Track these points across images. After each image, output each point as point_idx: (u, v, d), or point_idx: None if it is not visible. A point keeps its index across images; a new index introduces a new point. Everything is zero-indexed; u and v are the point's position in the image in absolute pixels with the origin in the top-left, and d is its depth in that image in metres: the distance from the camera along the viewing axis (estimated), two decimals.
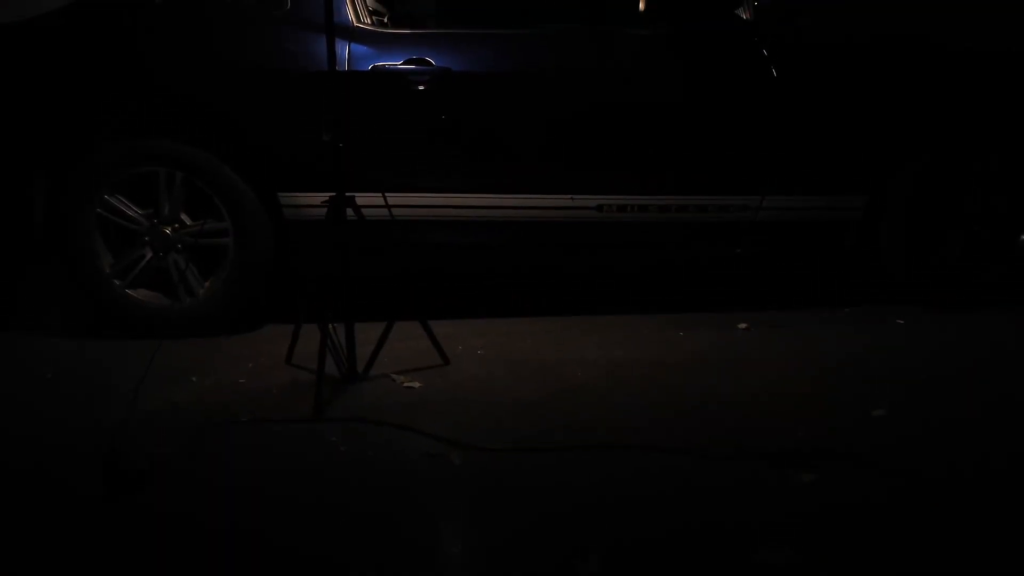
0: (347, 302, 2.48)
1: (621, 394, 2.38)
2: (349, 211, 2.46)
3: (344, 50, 2.85)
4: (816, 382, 2.44)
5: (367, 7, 2.94)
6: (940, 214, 3.02)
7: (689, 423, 2.18)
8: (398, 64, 2.84)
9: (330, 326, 2.40)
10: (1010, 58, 3.15)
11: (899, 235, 3.01)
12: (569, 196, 2.92)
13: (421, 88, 2.83)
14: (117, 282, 2.94)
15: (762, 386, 2.42)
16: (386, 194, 2.90)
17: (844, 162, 2.94)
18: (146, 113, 2.86)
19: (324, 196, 2.47)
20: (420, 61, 2.84)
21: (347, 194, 2.49)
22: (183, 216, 2.93)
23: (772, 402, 2.30)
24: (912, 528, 1.68)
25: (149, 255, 2.93)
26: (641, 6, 2.78)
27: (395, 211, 2.92)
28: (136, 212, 2.91)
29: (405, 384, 2.48)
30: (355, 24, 2.88)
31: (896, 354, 2.66)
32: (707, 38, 2.91)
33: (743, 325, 2.98)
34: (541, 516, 1.76)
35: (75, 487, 1.90)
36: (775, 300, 3.26)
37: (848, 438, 2.06)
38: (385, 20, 3.07)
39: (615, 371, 2.55)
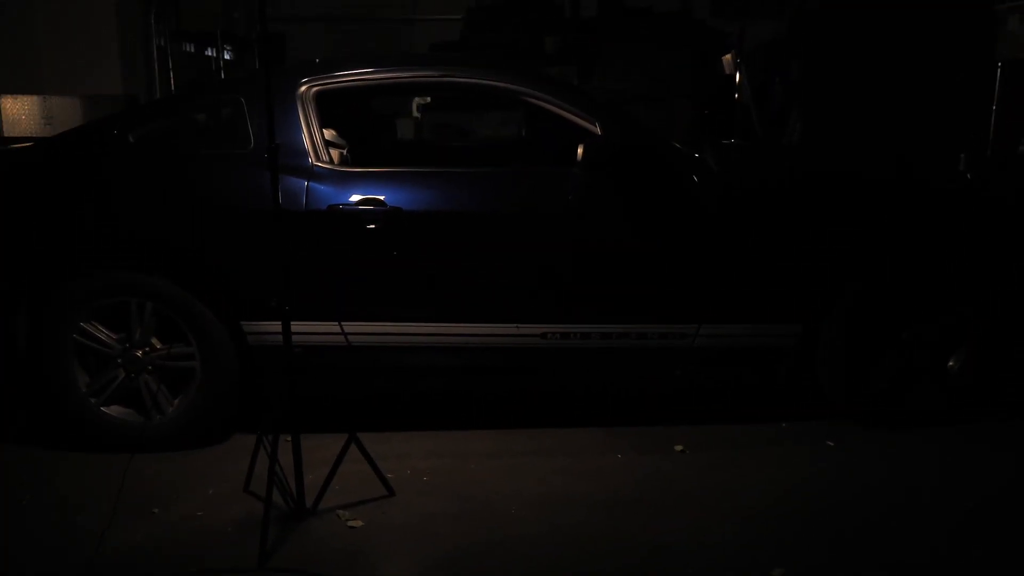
0: (296, 438, 2.66)
1: (552, 543, 2.54)
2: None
3: (303, 187, 3.03)
4: (731, 529, 2.60)
5: (326, 143, 3.11)
6: (872, 341, 3.17)
7: None
8: (352, 204, 3.01)
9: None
10: (938, 190, 3.30)
11: (832, 361, 3.17)
12: (515, 325, 3.09)
13: (373, 227, 3.01)
14: (93, 400, 3.14)
15: (683, 531, 2.59)
16: (342, 323, 3.08)
17: (776, 294, 3.10)
18: (118, 249, 3.05)
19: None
20: (374, 200, 3.01)
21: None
22: (154, 340, 3.12)
23: (687, 555, 2.46)
24: None
25: (122, 376, 3.13)
26: (579, 155, 2.94)
27: (351, 338, 3.10)
28: (110, 337, 3.10)
29: (349, 523, 2.67)
30: (313, 163, 3.06)
31: (815, 492, 2.81)
32: (646, 183, 3.05)
33: (679, 447, 3.14)
34: None
35: None
36: (714, 414, 3.41)
37: None
38: (344, 152, 3.24)
39: (550, 511, 2.72)
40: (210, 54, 7.73)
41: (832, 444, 3.15)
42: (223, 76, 7.58)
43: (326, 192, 3.03)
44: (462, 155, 4.25)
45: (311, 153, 3.07)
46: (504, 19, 8.19)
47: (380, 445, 3.13)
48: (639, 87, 7.85)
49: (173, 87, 6.96)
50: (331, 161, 3.09)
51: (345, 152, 3.25)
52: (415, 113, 7.82)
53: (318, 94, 3.13)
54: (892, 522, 2.63)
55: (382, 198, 3.02)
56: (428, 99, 7.50)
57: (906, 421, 3.24)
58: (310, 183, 3.03)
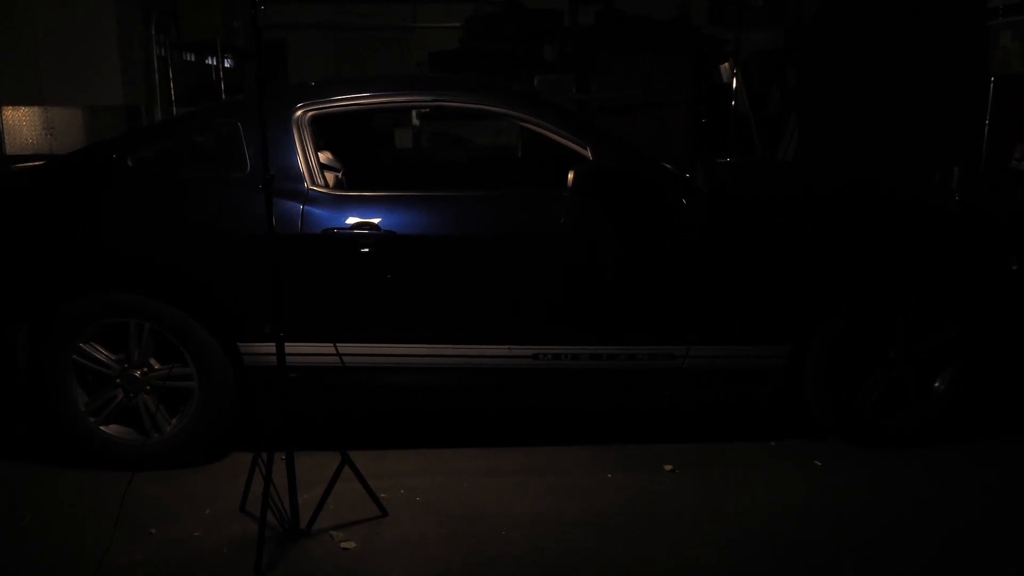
0: (290, 460, 2.71)
1: (541, 565, 2.60)
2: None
3: (298, 211, 3.08)
4: (719, 551, 2.65)
5: (321, 166, 3.16)
6: (859, 361, 3.21)
7: None
8: (347, 227, 3.06)
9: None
10: (927, 211, 3.33)
11: (820, 381, 3.21)
12: (506, 347, 3.13)
13: (367, 250, 3.05)
14: (92, 419, 3.19)
15: (671, 553, 2.64)
16: (338, 344, 3.13)
17: (764, 315, 3.14)
18: (117, 271, 3.10)
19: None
20: (368, 224, 3.06)
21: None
22: (152, 361, 3.18)
23: None
24: None
25: (121, 396, 3.18)
26: (569, 180, 2.98)
27: (346, 359, 3.15)
28: (108, 357, 3.16)
29: (342, 544, 2.72)
30: (309, 187, 3.10)
31: (804, 513, 2.86)
32: (636, 208, 3.09)
33: (669, 467, 3.19)
34: None
35: None
36: (703, 433, 3.46)
37: None
38: (340, 175, 3.29)
39: (540, 532, 2.77)
40: (211, 63, 7.78)
41: (820, 464, 3.20)
42: (222, 87, 7.64)
43: (321, 216, 3.08)
44: (457, 173, 4.30)
45: (306, 177, 3.11)
46: (502, 27, 8.24)
47: (374, 463, 3.19)
48: (636, 95, 7.91)
49: (173, 97, 7.02)
50: (326, 185, 3.14)
51: (340, 175, 3.30)
52: (415, 121, 7.89)
53: (313, 118, 3.18)
54: (879, 543, 2.68)
55: (376, 222, 3.07)
56: (427, 108, 7.58)
57: (894, 440, 3.29)
58: (305, 207, 3.08)
